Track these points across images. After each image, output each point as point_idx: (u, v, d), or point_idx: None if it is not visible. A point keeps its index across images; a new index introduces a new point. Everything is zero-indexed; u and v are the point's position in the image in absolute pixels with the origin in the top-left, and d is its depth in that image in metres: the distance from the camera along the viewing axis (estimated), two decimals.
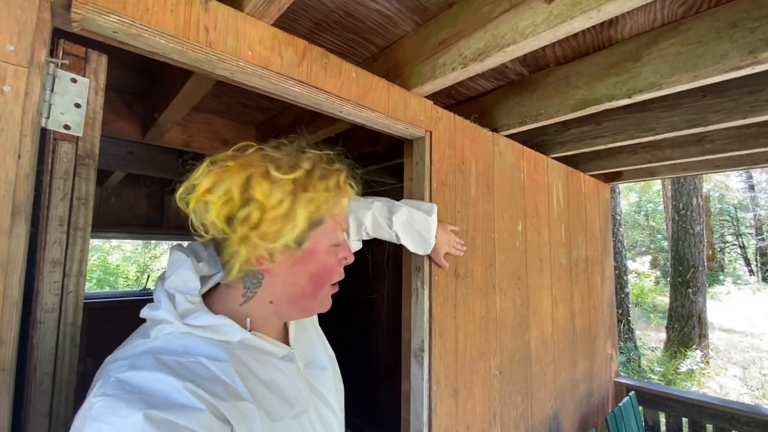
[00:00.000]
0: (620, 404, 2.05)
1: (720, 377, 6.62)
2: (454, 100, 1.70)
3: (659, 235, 15.36)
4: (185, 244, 0.71)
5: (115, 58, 1.43)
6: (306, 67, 0.92)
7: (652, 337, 8.75)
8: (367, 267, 3.41)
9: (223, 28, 0.79)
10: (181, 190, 0.61)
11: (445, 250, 1.21)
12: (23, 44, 0.59)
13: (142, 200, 3.49)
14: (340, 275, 0.72)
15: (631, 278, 10.77)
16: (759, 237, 13.71)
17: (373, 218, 1.06)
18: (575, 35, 1.25)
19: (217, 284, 0.68)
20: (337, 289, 0.73)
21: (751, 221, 14.33)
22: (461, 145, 1.37)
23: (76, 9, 0.63)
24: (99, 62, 0.78)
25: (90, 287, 11.74)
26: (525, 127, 1.52)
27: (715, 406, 2.18)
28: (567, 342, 1.94)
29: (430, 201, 1.23)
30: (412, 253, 1.24)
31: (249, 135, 2.04)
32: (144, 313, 0.62)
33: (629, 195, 16.73)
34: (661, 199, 14.24)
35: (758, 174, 13.80)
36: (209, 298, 0.66)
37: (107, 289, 11.51)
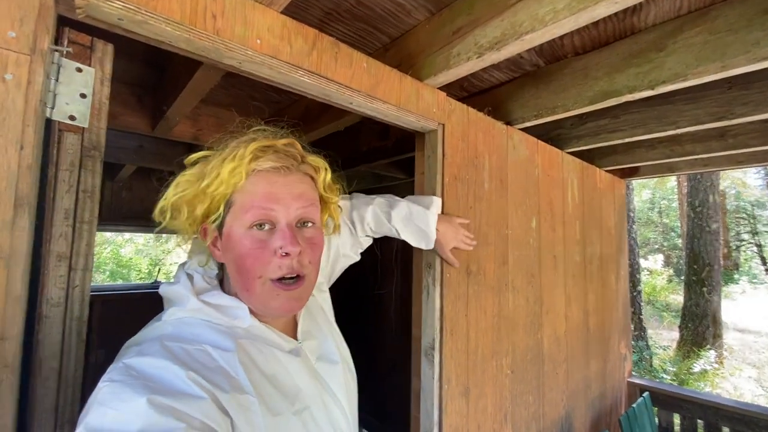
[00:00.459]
0: (634, 405, 2.01)
1: (734, 378, 6.49)
2: (467, 92, 1.65)
3: (673, 233, 15.06)
4: None
5: (123, 49, 1.42)
6: (316, 57, 0.89)
7: (664, 336, 8.61)
8: (376, 263, 3.39)
9: (230, 15, 0.76)
10: None
11: (452, 244, 1.14)
12: (25, 31, 0.57)
13: (152, 194, 3.48)
14: (279, 269, 0.61)
15: (643, 276, 10.59)
16: None
17: (373, 213, 1.02)
18: (595, 23, 1.20)
19: None
20: (289, 291, 0.62)
21: None
22: (474, 139, 1.33)
23: None
24: (105, 51, 0.76)
25: (103, 279, 11.97)
26: (540, 121, 1.47)
27: (733, 408, 2.12)
28: (580, 341, 1.90)
29: (442, 196, 1.20)
30: (423, 250, 1.21)
31: None
32: (162, 289, 0.66)
33: (642, 192, 16.41)
34: (676, 195, 13.95)
35: None
36: (224, 285, 0.69)
37: (120, 282, 11.72)
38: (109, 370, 0.50)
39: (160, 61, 1.54)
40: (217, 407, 0.50)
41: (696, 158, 2.16)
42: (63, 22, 0.69)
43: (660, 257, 14.74)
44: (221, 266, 0.71)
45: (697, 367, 6.42)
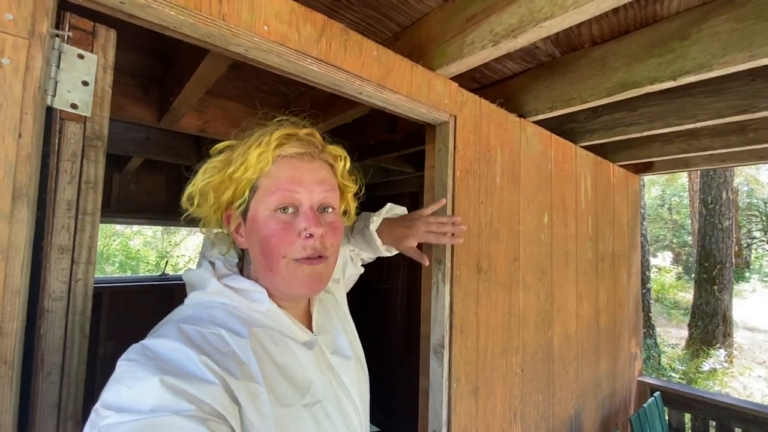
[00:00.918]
0: (645, 405, 1.97)
1: (744, 377, 6.40)
2: (479, 83, 1.61)
3: (683, 230, 14.84)
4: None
5: (129, 40, 1.40)
6: (325, 44, 0.85)
7: (672, 334, 8.51)
8: (382, 258, 3.37)
9: None
10: None
11: (408, 242, 1.03)
12: (23, 13, 0.54)
13: (160, 186, 3.52)
14: (303, 250, 0.63)
15: (651, 274, 10.46)
16: None
17: (347, 229, 1.02)
18: (615, 11, 1.15)
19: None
20: (313, 265, 0.64)
21: None
22: (487, 132, 1.29)
23: None
24: (108, 38, 0.74)
25: (113, 271, 12.11)
26: (555, 113, 1.43)
27: (746, 409, 2.08)
28: (591, 340, 1.86)
29: (453, 190, 1.16)
30: (433, 246, 1.18)
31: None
32: (185, 274, 0.69)
33: (651, 188, 16.16)
34: (687, 192, 13.72)
35: None
36: (244, 272, 0.72)
37: (129, 274, 11.85)
38: (128, 350, 0.52)
39: (166, 52, 1.52)
40: (228, 394, 0.51)
41: (713, 153, 2.09)
42: (64, 7, 0.66)
43: (669, 254, 14.55)
44: (242, 253, 0.74)
45: (706, 366, 6.33)
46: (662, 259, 14.13)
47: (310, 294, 0.70)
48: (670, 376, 6.30)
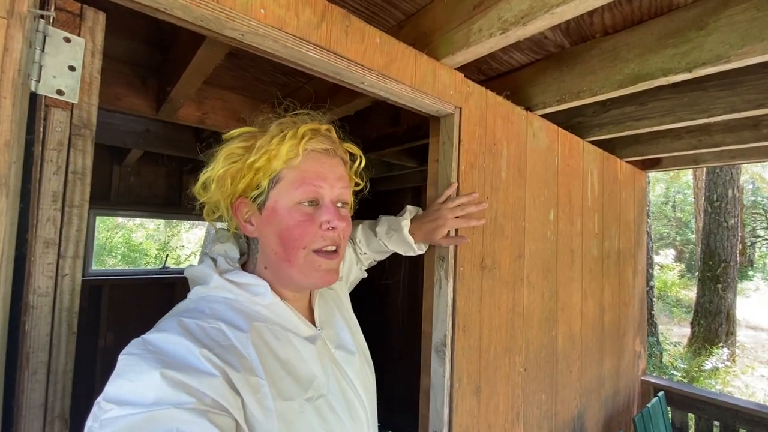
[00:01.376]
0: (649, 405, 1.94)
1: (746, 376, 6.37)
2: (484, 75, 1.56)
3: (686, 228, 14.74)
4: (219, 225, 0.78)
5: (125, 27, 1.36)
6: (325, 30, 0.81)
7: (674, 332, 8.48)
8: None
9: None
10: None
11: (439, 234, 1.06)
12: None
13: (160, 179, 3.49)
14: (323, 240, 0.66)
15: (654, 271, 10.40)
16: None
17: (363, 231, 1.08)
18: None
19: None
20: (330, 260, 0.67)
21: None
22: (493, 124, 1.25)
23: None
24: (96, 20, 0.70)
25: (115, 263, 12.14)
26: (563, 106, 1.38)
27: (750, 410, 2.05)
28: (595, 338, 1.83)
29: (458, 184, 1.13)
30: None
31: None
32: (187, 270, 0.70)
33: (656, 185, 16.03)
34: (691, 189, 13.60)
35: None
36: (246, 267, 0.73)
37: (131, 267, 11.88)
38: (129, 344, 0.52)
39: (163, 40, 1.48)
40: (229, 386, 0.51)
41: (724, 150, 2.04)
42: None
43: (671, 252, 14.48)
44: (247, 246, 0.76)
45: (708, 365, 6.30)
46: (665, 257, 14.06)
47: (323, 285, 0.71)
48: (672, 374, 6.28)
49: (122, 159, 3.00)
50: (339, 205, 0.70)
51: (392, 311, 3.37)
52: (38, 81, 0.62)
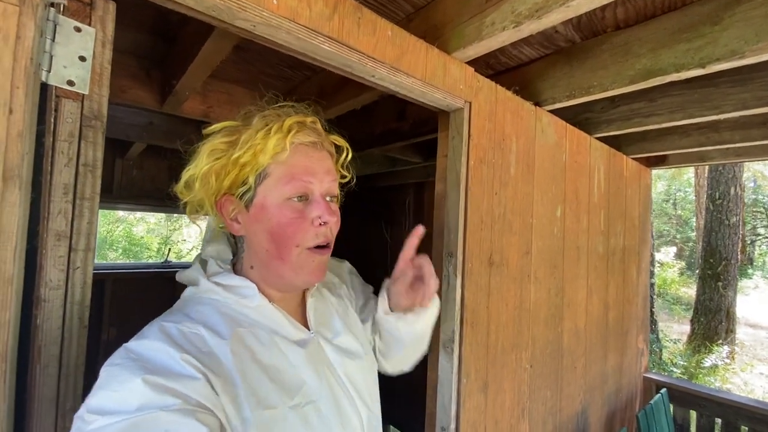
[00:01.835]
0: (651, 402, 1.95)
1: (745, 374, 6.40)
2: (493, 70, 1.55)
3: (687, 225, 14.74)
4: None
5: (131, 18, 1.34)
6: (337, 22, 0.80)
7: (674, 329, 8.51)
8: (386, 248, 3.33)
9: None
10: None
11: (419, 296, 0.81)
12: None
13: (163, 172, 3.47)
14: (315, 237, 0.65)
15: (654, 269, 10.40)
16: None
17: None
18: None
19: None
20: (323, 255, 0.66)
21: None
22: (502, 120, 1.24)
23: None
24: (107, 10, 0.69)
25: (116, 257, 12.16)
26: (572, 101, 1.37)
27: (752, 407, 2.05)
28: (599, 335, 1.83)
29: (467, 180, 1.12)
30: (444, 237, 1.14)
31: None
32: (178, 276, 0.70)
33: (658, 183, 16.00)
34: (692, 187, 13.59)
35: None
36: (236, 269, 0.71)
37: (132, 261, 11.90)
38: (113, 354, 0.52)
39: (169, 32, 1.46)
40: (212, 388, 0.51)
41: (730, 147, 2.03)
42: None
43: (672, 249, 14.48)
44: (238, 245, 0.73)
45: (708, 362, 6.33)
46: (665, 255, 14.07)
47: (315, 282, 0.70)
48: (671, 371, 6.30)
49: (125, 152, 2.98)
50: (328, 198, 0.68)
51: None
52: (49, 71, 0.61)
